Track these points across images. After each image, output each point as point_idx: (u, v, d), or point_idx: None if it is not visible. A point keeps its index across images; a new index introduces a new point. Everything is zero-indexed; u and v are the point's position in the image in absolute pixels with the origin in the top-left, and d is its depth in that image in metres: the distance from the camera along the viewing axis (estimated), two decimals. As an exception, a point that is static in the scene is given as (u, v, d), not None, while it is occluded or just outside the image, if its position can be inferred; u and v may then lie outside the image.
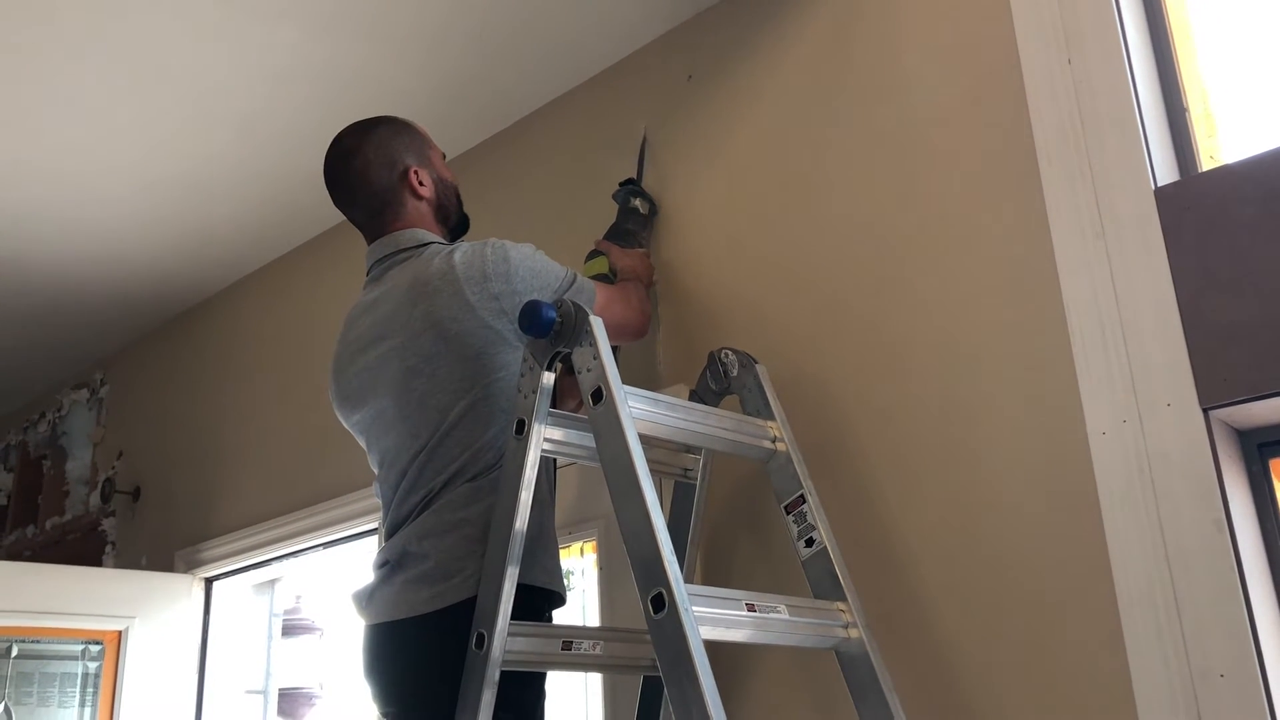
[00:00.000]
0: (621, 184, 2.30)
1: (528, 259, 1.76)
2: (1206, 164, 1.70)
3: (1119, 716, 1.50)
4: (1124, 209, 1.64)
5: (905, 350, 1.86)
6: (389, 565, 1.68)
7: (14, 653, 3.02)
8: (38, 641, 3.05)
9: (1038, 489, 1.66)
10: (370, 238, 1.90)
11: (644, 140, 2.36)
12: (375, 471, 1.83)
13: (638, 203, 2.27)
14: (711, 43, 2.31)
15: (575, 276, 1.81)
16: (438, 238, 1.87)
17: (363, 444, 1.86)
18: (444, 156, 1.98)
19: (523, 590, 1.56)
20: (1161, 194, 1.61)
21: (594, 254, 2.14)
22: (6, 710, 2.97)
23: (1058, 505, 1.63)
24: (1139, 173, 1.63)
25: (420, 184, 1.88)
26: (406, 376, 1.73)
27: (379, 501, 1.83)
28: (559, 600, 1.72)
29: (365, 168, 1.86)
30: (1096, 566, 1.56)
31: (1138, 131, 1.65)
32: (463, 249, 1.77)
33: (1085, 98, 1.71)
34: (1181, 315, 1.55)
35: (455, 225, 1.96)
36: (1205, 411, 1.51)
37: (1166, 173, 1.67)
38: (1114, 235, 1.64)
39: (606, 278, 2.08)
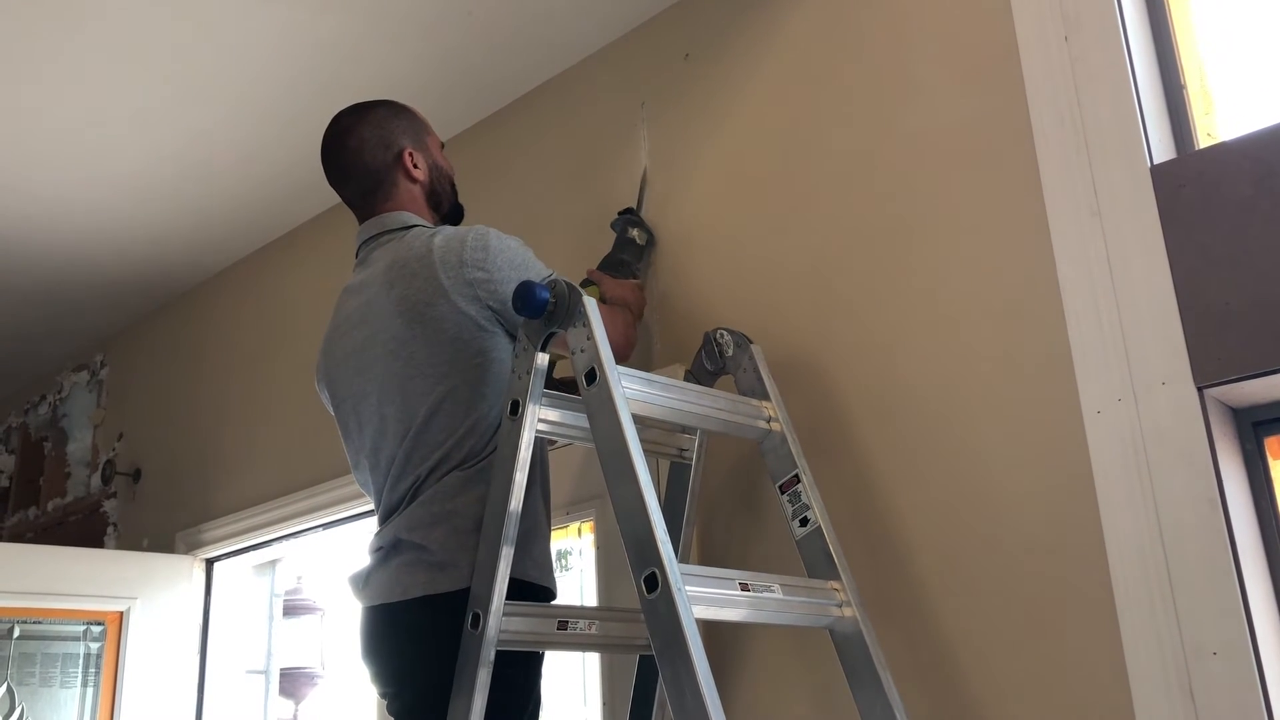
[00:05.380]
0: (620, 213, 2.26)
1: (508, 250, 1.73)
2: (1203, 141, 1.69)
3: (1112, 694, 1.51)
4: (1120, 186, 1.63)
5: (900, 330, 1.85)
6: (383, 550, 1.68)
7: (16, 634, 3.03)
8: (40, 622, 3.06)
9: (1033, 467, 1.66)
10: (361, 217, 1.89)
11: (644, 174, 2.32)
12: (354, 459, 1.82)
13: (635, 233, 2.22)
14: (709, 21, 2.30)
15: (558, 280, 1.77)
16: (424, 221, 1.86)
17: (344, 428, 1.84)
18: (442, 145, 1.97)
19: (512, 585, 1.55)
20: (1158, 171, 1.61)
21: (585, 283, 2.10)
22: (9, 691, 2.99)
23: (1052, 484, 1.63)
24: (1135, 150, 1.63)
25: (415, 167, 1.87)
26: (387, 360, 1.72)
27: (360, 490, 1.83)
28: (549, 596, 1.71)
29: (360, 146, 1.86)
30: (1091, 545, 1.57)
31: (1134, 108, 1.64)
32: (445, 233, 1.76)
33: (1082, 74, 1.70)
34: (1177, 293, 1.55)
35: (448, 213, 1.94)
36: (1200, 390, 1.51)
37: (1163, 150, 1.66)
38: (1110, 213, 1.63)
39: None
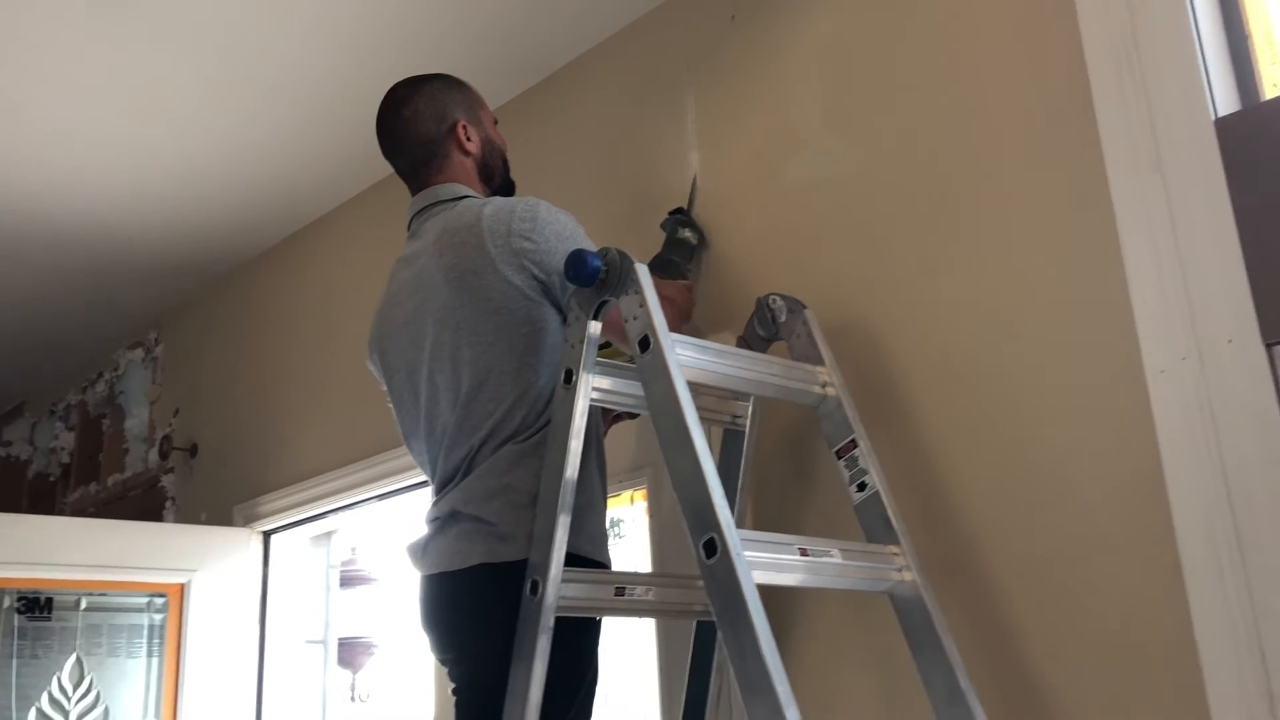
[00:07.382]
0: (671, 213, 2.23)
1: (557, 222, 1.73)
2: (1270, 92, 1.64)
3: (1180, 658, 1.48)
4: (1182, 140, 1.59)
5: (955, 291, 1.83)
6: (440, 520, 1.69)
7: (83, 605, 3.11)
8: (105, 595, 3.14)
9: (1094, 430, 1.63)
10: (413, 189, 1.90)
11: (695, 177, 2.28)
12: (409, 429, 1.82)
13: (686, 233, 2.18)
14: (753, -18, 2.27)
15: (609, 249, 1.76)
16: (475, 193, 1.87)
17: (398, 399, 1.84)
18: (495, 121, 1.97)
19: (567, 559, 1.56)
20: (1222, 124, 1.56)
21: None
22: (79, 660, 3.07)
23: (1114, 446, 1.60)
24: (1197, 102, 1.58)
25: (468, 139, 1.89)
26: (437, 330, 1.73)
27: (414, 460, 1.84)
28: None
29: (415, 117, 1.87)
30: (1155, 508, 1.54)
31: (1196, 59, 1.60)
32: (495, 203, 1.76)
33: (1141, 24, 1.65)
34: (1243, 248, 1.51)
35: (499, 188, 1.95)
36: (1268, 347, 1.47)
37: (1227, 102, 1.61)
38: (1172, 167, 1.59)
39: None
